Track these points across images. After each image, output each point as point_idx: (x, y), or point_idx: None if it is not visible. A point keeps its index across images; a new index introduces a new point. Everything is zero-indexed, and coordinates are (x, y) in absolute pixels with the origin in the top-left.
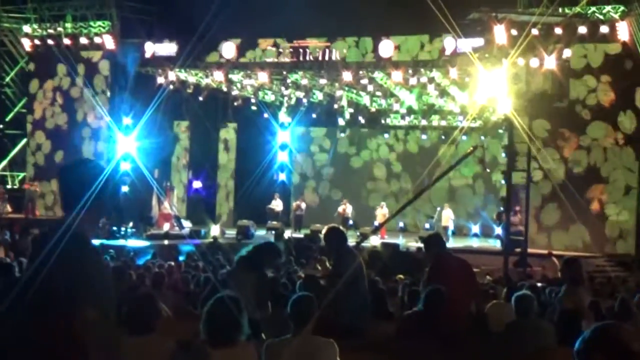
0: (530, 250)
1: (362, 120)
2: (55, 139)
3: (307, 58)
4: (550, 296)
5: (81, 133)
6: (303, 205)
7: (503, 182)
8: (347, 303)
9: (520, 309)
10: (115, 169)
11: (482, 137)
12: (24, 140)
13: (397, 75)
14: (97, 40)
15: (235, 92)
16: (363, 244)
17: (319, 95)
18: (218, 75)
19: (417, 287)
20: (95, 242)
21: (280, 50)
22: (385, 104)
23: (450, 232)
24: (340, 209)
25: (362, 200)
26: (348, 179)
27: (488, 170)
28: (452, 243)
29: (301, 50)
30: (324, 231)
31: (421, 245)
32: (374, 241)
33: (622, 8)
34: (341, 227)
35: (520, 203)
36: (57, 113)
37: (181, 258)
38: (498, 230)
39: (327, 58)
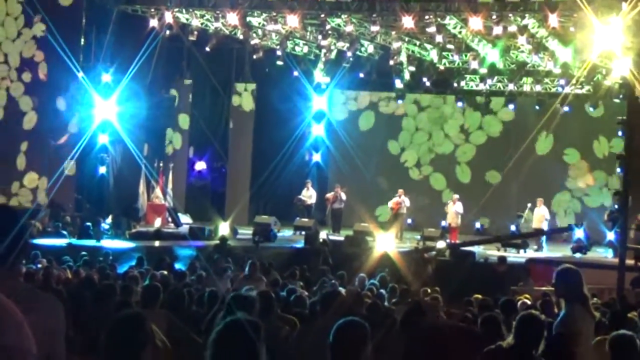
0: None
1: (426, 82)
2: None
3: None
4: None
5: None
6: (343, 196)
7: (619, 170)
8: None
9: (618, 356)
10: None
11: (592, 108)
12: None
13: (476, 21)
14: None
15: (254, 42)
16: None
17: (368, 48)
18: (231, 18)
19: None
20: (63, 241)
21: None
22: (459, 61)
23: (544, 238)
24: (393, 203)
25: (424, 192)
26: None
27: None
28: (546, 252)
29: None
30: None
31: (505, 254)
32: (440, 245)
33: None
34: None
35: None
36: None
37: (178, 266)
38: (610, 235)
39: None
